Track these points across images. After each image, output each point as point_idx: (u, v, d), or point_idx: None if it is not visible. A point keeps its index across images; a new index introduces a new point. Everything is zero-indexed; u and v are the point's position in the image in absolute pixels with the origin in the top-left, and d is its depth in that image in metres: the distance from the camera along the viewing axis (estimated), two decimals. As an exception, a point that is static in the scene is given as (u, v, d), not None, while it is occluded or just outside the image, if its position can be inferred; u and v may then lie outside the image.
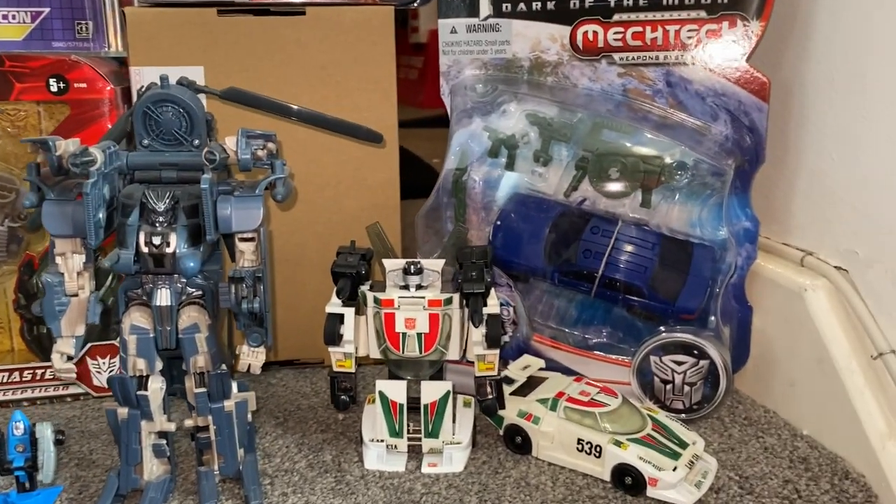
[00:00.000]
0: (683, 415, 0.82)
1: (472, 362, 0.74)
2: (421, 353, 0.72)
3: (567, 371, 0.85)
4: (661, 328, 0.84)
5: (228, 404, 0.69)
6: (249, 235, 0.64)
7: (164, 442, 0.69)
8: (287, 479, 0.73)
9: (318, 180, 0.92)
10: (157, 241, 0.62)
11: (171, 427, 0.69)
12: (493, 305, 0.72)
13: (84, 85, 0.86)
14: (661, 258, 0.83)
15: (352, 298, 0.74)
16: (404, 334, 0.71)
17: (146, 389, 0.66)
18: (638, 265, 0.83)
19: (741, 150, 0.83)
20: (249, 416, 0.71)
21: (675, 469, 0.69)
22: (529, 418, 0.76)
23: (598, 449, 0.72)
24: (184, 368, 0.67)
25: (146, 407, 0.66)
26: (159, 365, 0.67)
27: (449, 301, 0.71)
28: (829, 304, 0.80)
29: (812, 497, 0.71)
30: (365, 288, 0.73)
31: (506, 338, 0.87)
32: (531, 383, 0.81)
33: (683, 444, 0.73)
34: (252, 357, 0.67)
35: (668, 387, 0.83)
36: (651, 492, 0.70)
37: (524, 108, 0.85)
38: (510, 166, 0.86)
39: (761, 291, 0.87)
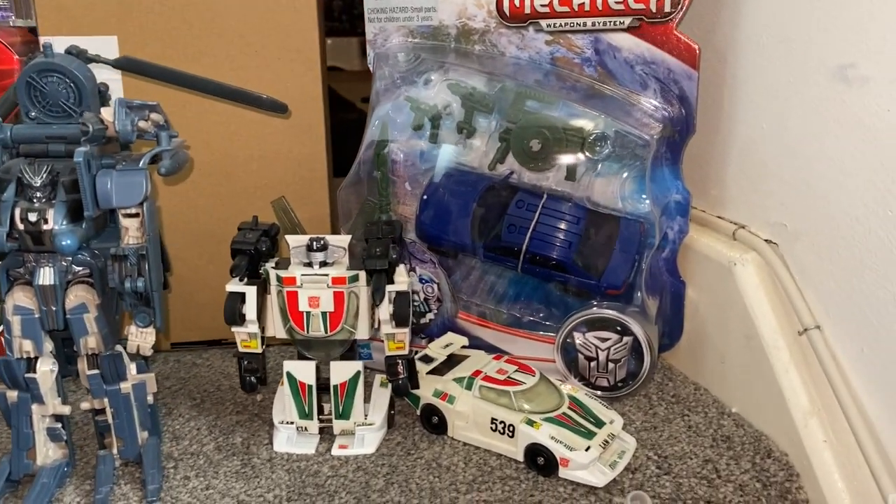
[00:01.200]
0: (609, 392, 0.80)
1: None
2: (327, 332, 0.69)
3: (493, 349, 0.83)
4: (593, 303, 0.81)
5: (125, 386, 0.66)
6: (133, 211, 0.61)
7: (60, 425, 0.67)
8: (192, 462, 0.71)
9: (241, 153, 0.89)
10: (33, 217, 0.59)
11: (66, 410, 0.66)
12: (400, 283, 0.69)
13: (-12, 56, 0.83)
14: (585, 233, 0.81)
15: (254, 276, 0.71)
16: (308, 313, 0.69)
17: (35, 372, 0.64)
18: (562, 240, 0.81)
19: (671, 120, 0.80)
20: (150, 397, 0.69)
21: (587, 449, 0.68)
22: (445, 398, 0.74)
23: (511, 428, 0.70)
24: (75, 350, 0.65)
25: (36, 390, 0.64)
26: (49, 346, 0.65)
27: (354, 279, 0.68)
28: (758, 278, 0.78)
29: (731, 476, 0.69)
30: (269, 265, 0.71)
31: (430, 315, 0.85)
32: (451, 362, 0.79)
33: (599, 423, 0.71)
34: (140, 338, 0.64)
35: (593, 364, 0.80)
36: (563, 472, 0.68)
37: (447, 79, 0.82)
38: (434, 138, 0.83)
39: (694, 266, 0.85)
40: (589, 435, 0.69)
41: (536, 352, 0.83)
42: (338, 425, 0.73)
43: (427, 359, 0.79)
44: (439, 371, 0.77)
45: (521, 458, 0.70)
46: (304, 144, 0.90)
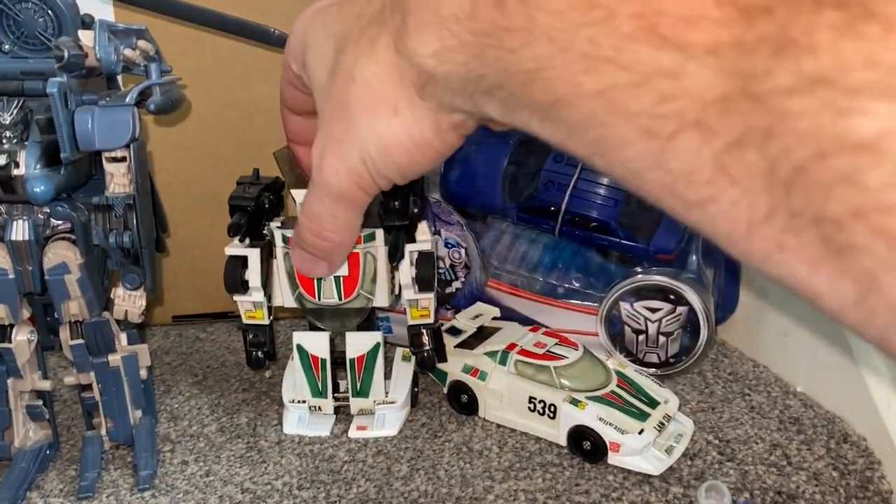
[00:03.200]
0: (658, 370, 0.72)
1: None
2: (341, 299, 0.61)
3: (527, 321, 0.74)
4: (637, 270, 0.72)
5: (114, 359, 0.58)
6: (119, 154, 0.53)
7: (41, 402, 0.59)
8: (191, 444, 0.63)
9: (245, 107, 0.81)
10: (1, 160, 0.51)
11: (47, 385, 0.59)
12: (422, 241, 0.61)
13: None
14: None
15: (258, 237, 0.63)
16: (319, 278, 0.60)
17: (10, 341, 0.56)
18: (608, 198, 0.72)
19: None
20: (143, 372, 0.61)
21: (641, 432, 0.59)
22: (475, 374, 0.65)
23: (552, 408, 0.62)
24: (56, 316, 0.57)
25: (12, 362, 0.56)
26: (26, 313, 0.57)
27: (370, 237, 0.59)
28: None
29: (804, 463, 0.60)
30: (274, 224, 0.62)
31: (457, 284, 0.76)
32: (482, 334, 0.70)
33: (653, 403, 0.62)
34: (129, 302, 0.56)
35: (641, 337, 0.72)
36: (613, 458, 0.59)
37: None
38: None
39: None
40: (642, 416, 0.60)
41: (576, 324, 0.74)
42: (355, 404, 0.64)
43: (455, 331, 0.70)
44: (469, 344, 0.69)
45: (563, 441, 0.62)
46: (317, 96, 0.81)
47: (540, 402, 0.62)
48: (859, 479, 0.59)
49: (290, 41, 0.43)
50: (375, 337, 0.63)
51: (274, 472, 0.59)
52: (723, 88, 0.22)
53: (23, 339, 0.56)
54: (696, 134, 0.23)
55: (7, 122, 0.51)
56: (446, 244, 0.75)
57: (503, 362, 0.65)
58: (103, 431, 0.60)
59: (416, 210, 0.59)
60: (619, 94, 0.24)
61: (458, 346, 0.68)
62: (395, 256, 0.59)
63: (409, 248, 0.60)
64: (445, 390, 0.68)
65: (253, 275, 0.61)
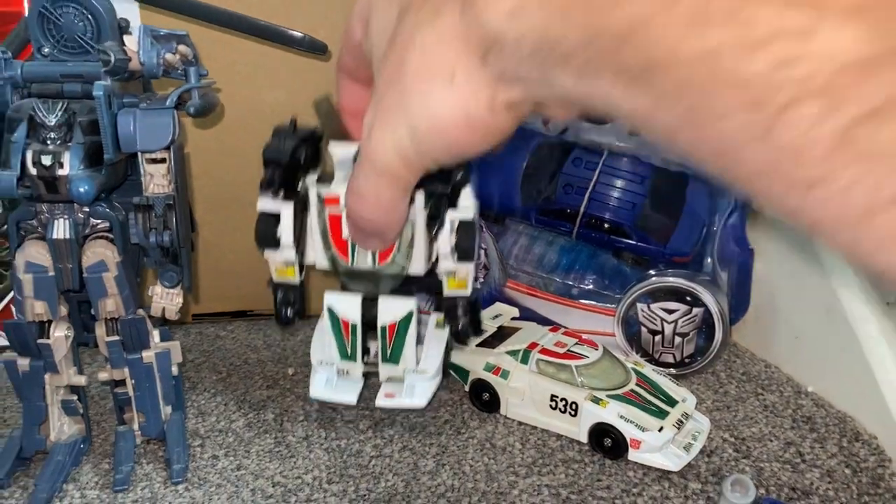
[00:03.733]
0: (674, 369, 0.73)
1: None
2: (375, 265, 0.59)
3: (544, 321, 0.76)
4: (652, 272, 0.74)
5: (147, 355, 0.60)
6: (159, 156, 0.55)
7: (76, 398, 0.60)
8: (220, 439, 0.65)
9: (268, 111, 0.82)
10: (46, 160, 0.52)
11: (83, 381, 0.60)
12: (464, 208, 0.58)
13: (-5, -4, 0.76)
14: (651, 193, 0.74)
15: (292, 191, 0.60)
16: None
17: (48, 337, 0.57)
18: (625, 201, 0.74)
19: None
20: (175, 368, 0.62)
21: (660, 429, 0.61)
22: (497, 372, 0.67)
23: (573, 406, 0.63)
24: (92, 313, 0.58)
25: (49, 357, 0.57)
26: (64, 309, 0.58)
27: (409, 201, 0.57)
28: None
29: (817, 461, 0.62)
30: (311, 180, 0.59)
31: (476, 284, 0.78)
32: (502, 334, 0.72)
33: (672, 402, 0.64)
34: (166, 300, 0.57)
35: (657, 338, 0.73)
36: (633, 455, 0.61)
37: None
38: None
39: (764, 232, 0.78)
40: (661, 414, 0.62)
41: (593, 325, 0.76)
42: (385, 370, 0.63)
43: None
44: (489, 344, 0.70)
45: (584, 438, 0.63)
46: (337, 98, 0.83)
47: (562, 400, 0.64)
48: (871, 476, 0.61)
49: (357, 4, 0.39)
50: (410, 304, 0.61)
51: (303, 467, 0.61)
52: (865, 51, 0.20)
53: (60, 335, 0.57)
54: (821, 103, 0.20)
55: (52, 124, 0.52)
56: (466, 245, 0.77)
57: (525, 361, 0.67)
58: (135, 426, 0.62)
59: (458, 177, 0.56)
60: (728, 58, 0.21)
61: (479, 345, 0.70)
62: (434, 225, 0.56)
63: (449, 215, 0.57)
64: (467, 388, 0.70)
65: (286, 231, 0.58)
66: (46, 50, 0.56)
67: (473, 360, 0.69)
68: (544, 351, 0.67)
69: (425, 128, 0.32)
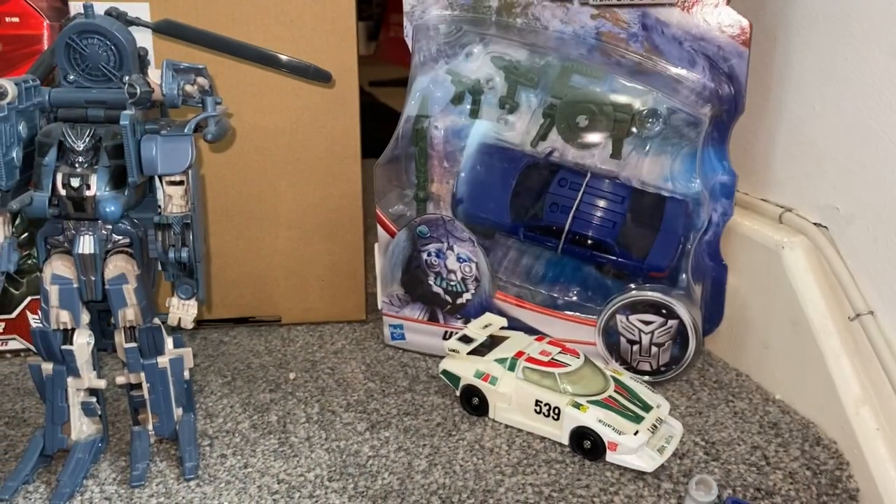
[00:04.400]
0: (650, 377, 0.79)
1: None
2: None
3: (532, 331, 0.81)
4: (631, 286, 0.79)
5: (162, 360, 0.64)
6: (178, 178, 0.59)
7: (95, 400, 0.65)
8: (228, 440, 0.69)
9: (273, 127, 0.87)
10: (75, 182, 0.57)
11: (101, 384, 0.64)
12: None
13: (17, 19, 0.80)
14: (630, 213, 0.79)
15: None
16: None
17: (71, 343, 0.62)
18: (606, 220, 0.79)
19: (719, 99, 0.78)
20: (186, 373, 0.67)
21: (636, 433, 0.66)
22: (486, 378, 0.72)
23: (556, 411, 0.68)
24: (112, 322, 0.63)
25: (72, 362, 0.62)
26: (86, 318, 0.63)
27: None
28: (806, 262, 0.76)
29: (781, 464, 0.67)
30: None
31: (467, 295, 0.83)
32: (491, 343, 0.77)
33: (647, 407, 0.69)
34: (182, 311, 0.62)
35: (635, 347, 0.79)
36: (610, 456, 0.66)
37: (490, 51, 0.80)
38: (475, 113, 0.81)
39: (737, 249, 0.83)
40: (637, 419, 0.67)
41: (576, 334, 0.81)
42: None
43: (466, 339, 0.77)
44: (479, 352, 0.75)
45: (565, 441, 0.68)
46: (338, 119, 0.88)
47: (545, 404, 0.69)
48: (830, 478, 0.66)
49: None
50: None
51: (306, 465, 0.66)
52: None
53: (83, 341, 0.62)
54: None
55: (80, 149, 0.57)
56: (458, 259, 0.82)
57: (512, 368, 0.72)
58: (150, 426, 0.66)
59: None
60: None
61: (471, 353, 0.75)
62: None
63: None
64: (458, 393, 0.74)
65: None
66: (72, 77, 0.61)
67: (464, 367, 0.74)
68: (530, 359, 0.72)
69: None
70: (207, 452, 0.68)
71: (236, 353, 0.87)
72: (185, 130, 0.59)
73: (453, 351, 0.75)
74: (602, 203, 0.79)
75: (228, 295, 0.92)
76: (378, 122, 0.82)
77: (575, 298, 0.83)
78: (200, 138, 0.60)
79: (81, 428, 0.65)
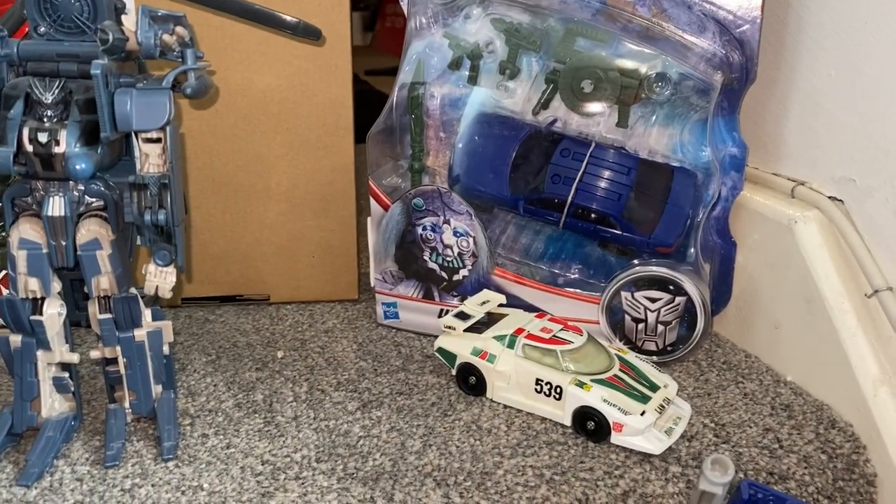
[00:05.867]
0: (656, 357, 0.75)
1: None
2: None
3: (531, 308, 0.77)
4: (636, 262, 0.76)
5: (139, 334, 0.60)
6: (154, 135, 0.55)
7: (67, 375, 0.61)
8: (210, 419, 0.66)
9: (261, 94, 0.83)
10: (43, 138, 0.53)
11: (74, 358, 0.60)
12: None
13: (-11, -25, 0.76)
14: (637, 185, 0.75)
15: None
16: None
17: (41, 314, 0.58)
18: (611, 192, 0.75)
19: (729, 66, 0.74)
20: (166, 347, 0.63)
21: (643, 413, 0.62)
22: (484, 356, 0.68)
23: (558, 390, 0.65)
24: (85, 291, 0.59)
25: (42, 334, 0.58)
26: (57, 286, 0.59)
27: None
28: (820, 237, 0.72)
29: (794, 447, 0.64)
30: None
31: (464, 272, 0.79)
32: (489, 320, 0.73)
33: (654, 387, 0.65)
34: (160, 278, 0.58)
35: (640, 326, 0.75)
36: (615, 438, 0.62)
37: (490, 13, 0.76)
38: (473, 80, 0.77)
39: (746, 225, 0.79)
40: (644, 399, 0.64)
41: (577, 312, 0.77)
42: None
43: (463, 315, 0.73)
44: (477, 329, 0.71)
45: (568, 422, 0.65)
46: (330, 87, 0.84)
47: (546, 383, 0.65)
48: (846, 462, 0.63)
49: None
50: None
51: (292, 446, 0.62)
52: None
53: (53, 312, 0.58)
54: None
55: (49, 102, 0.53)
56: (455, 233, 0.78)
57: (511, 346, 0.68)
58: (126, 404, 0.62)
59: None
60: None
61: (467, 330, 0.71)
62: None
63: None
64: (454, 372, 0.71)
65: None
66: (42, 29, 0.56)
67: (461, 344, 0.70)
68: (530, 336, 0.68)
69: None
70: (188, 432, 0.64)
71: (222, 332, 0.83)
72: (163, 83, 0.54)
73: (449, 328, 0.71)
74: (607, 174, 0.75)
75: (214, 271, 0.88)
76: (374, 109, 0.79)
77: (577, 275, 0.79)
78: (180, 94, 0.56)
79: (53, 405, 0.61)
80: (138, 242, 0.60)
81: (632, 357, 0.69)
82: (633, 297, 0.74)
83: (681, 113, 0.74)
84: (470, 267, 0.79)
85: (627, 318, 0.75)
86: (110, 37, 0.51)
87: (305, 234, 0.88)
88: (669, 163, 0.75)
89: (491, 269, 0.79)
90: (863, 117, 0.70)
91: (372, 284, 0.83)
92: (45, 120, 0.53)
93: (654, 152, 0.75)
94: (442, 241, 0.79)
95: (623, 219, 0.75)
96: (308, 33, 0.65)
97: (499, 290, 0.78)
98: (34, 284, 0.57)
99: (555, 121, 0.76)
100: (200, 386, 0.71)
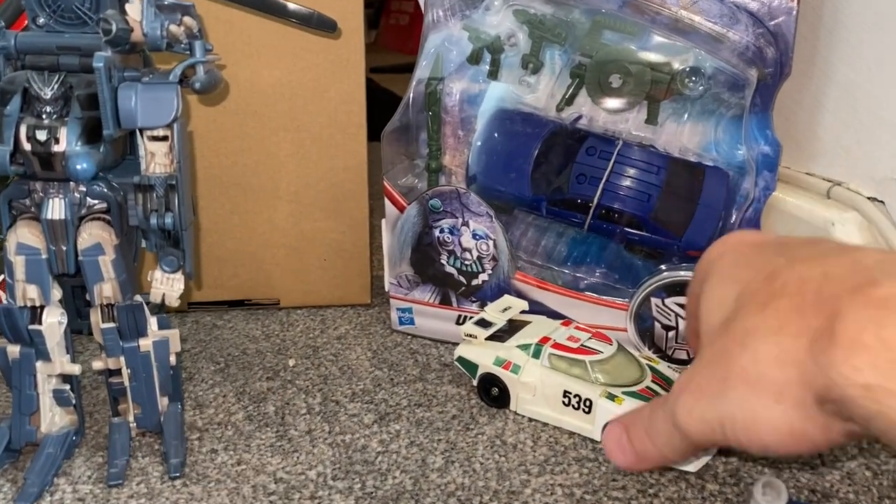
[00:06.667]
0: (687, 366, 0.71)
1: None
2: None
3: (554, 315, 0.74)
4: (663, 266, 0.72)
5: (144, 343, 0.57)
6: (161, 133, 0.52)
7: (69, 387, 0.58)
8: (219, 433, 0.62)
9: (270, 90, 0.79)
10: (42, 135, 0.49)
11: (76, 369, 0.57)
12: None
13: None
14: (666, 185, 0.71)
15: None
16: None
17: (40, 323, 0.54)
18: (640, 192, 0.71)
19: (763, 61, 0.70)
20: (173, 358, 0.59)
21: None
22: (508, 367, 0.65)
23: (587, 403, 0.61)
24: (87, 299, 0.55)
25: (41, 344, 0.55)
26: (57, 294, 0.55)
27: None
28: (861, 240, 0.69)
29: (837, 463, 0.61)
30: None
31: (483, 276, 0.76)
32: (512, 328, 0.69)
33: (689, 400, 0.62)
34: (167, 285, 0.55)
35: (671, 334, 0.71)
36: (649, 454, 0.59)
37: (512, 4, 0.72)
38: (494, 74, 0.73)
39: (779, 227, 0.76)
40: (678, 412, 0.60)
41: (603, 318, 0.73)
42: None
43: (484, 323, 0.69)
44: (499, 337, 0.68)
45: (598, 436, 0.61)
46: (342, 82, 0.80)
47: (575, 396, 0.62)
48: (892, 479, 0.59)
49: (698, 266, 0.40)
50: None
51: (307, 462, 0.58)
52: None
53: (53, 321, 0.55)
54: None
55: (48, 97, 0.49)
56: (474, 236, 0.74)
57: (536, 355, 0.64)
58: (130, 418, 0.59)
59: None
60: None
61: (489, 338, 0.68)
62: None
63: None
64: (475, 383, 0.67)
65: None
66: (42, 20, 0.53)
67: (482, 353, 0.66)
68: (557, 345, 0.65)
69: (742, 425, 0.32)
70: (196, 447, 0.60)
71: (230, 339, 0.79)
72: (170, 78, 0.51)
73: (470, 336, 0.68)
74: (635, 174, 0.71)
75: (222, 275, 0.84)
76: (381, 107, 0.76)
77: (602, 280, 0.75)
78: (188, 89, 0.52)
79: (53, 419, 0.58)
80: (143, 246, 0.56)
81: (664, 367, 0.65)
82: (663, 303, 0.71)
83: (713, 109, 0.70)
84: (490, 271, 0.75)
85: (657, 325, 0.71)
86: (113, 27, 0.48)
87: (316, 236, 0.84)
88: (702, 161, 0.71)
89: (512, 274, 0.75)
90: (906, 114, 0.66)
91: (386, 289, 0.79)
92: (44, 116, 0.50)
93: (685, 150, 0.71)
94: (460, 244, 0.75)
95: (652, 220, 0.71)
96: (323, 25, 0.62)
97: (520, 295, 0.75)
98: (33, 292, 0.54)
99: (580, 117, 0.73)
100: (209, 397, 0.67)
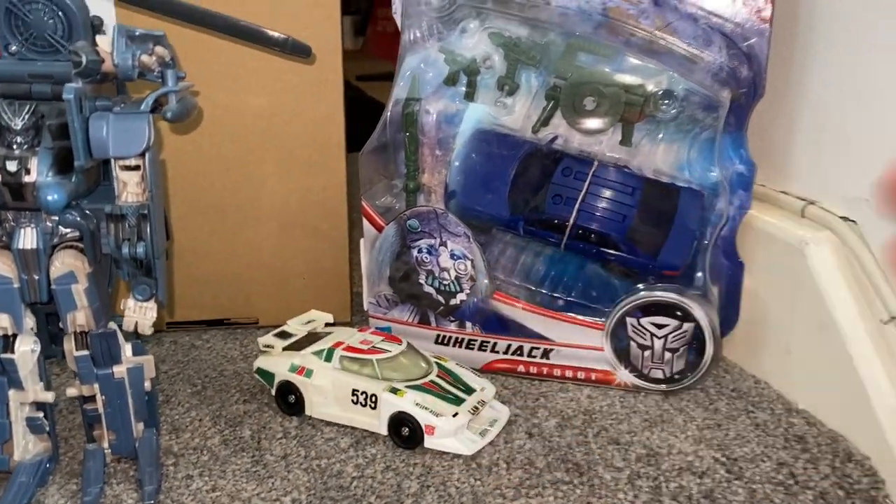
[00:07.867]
0: (664, 385, 0.72)
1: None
2: None
3: (531, 334, 0.74)
4: (640, 286, 0.73)
5: (118, 370, 0.57)
6: (133, 163, 0.52)
7: (42, 415, 0.57)
8: (195, 458, 0.62)
9: (248, 111, 0.79)
10: (12, 166, 0.49)
11: (49, 397, 0.57)
12: None
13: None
14: (641, 205, 0.72)
15: None
16: None
17: (13, 352, 0.54)
18: (615, 213, 0.72)
19: (737, 81, 0.71)
20: (147, 384, 0.59)
21: (454, 415, 0.62)
22: (302, 372, 0.67)
23: (373, 399, 0.64)
24: (60, 327, 0.55)
25: (14, 373, 0.55)
26: (30, 322, 0.55)
27: None
28: (834, 259, 0.69)
29: (810, 482, 0.61)
30: None
31: (462, 296, 0.76)
32: (312, 338, 0.72)
33: (469, 390, 0.66)
34: (139, 314, 0.54)
35: (647, 353, 0.72)
36: (428, 441, 0.62)
37: (487, 27, 0.72)
38: (470, 96, 0.74)
39: (755, 246, 0.76)
40: (457, 401, 0.64)
41: (580, 338, 0.74)
42: None
43: (284, 335, 0.72)
44: (297, 346, 0.70)
45: (384, 430, 0.64)
46: (321, 102, 0.80)
47: (362, 393, 0.64)
48: (864, 498, 0.60)
49: None
50: None
51: (282, 488, 0.58)
52: None
53: (26, 349, 0.55)
54: None
55: (18, 128, 0.49)
56: (452, 256, 0.75)
57: (328, 359, 0.67)
58: (105, 444, 0.59)
59: None
60: None
61: (286, 348, 0.70)
62: None
63: None
64: (273, 392, 0.69)
65: None
66: (14, 48, 0.53)
67: (279, 362, 0.69)
68: (349, 348, 0.67)
69: None
70: (171, 473, 0.60)
71: (208, 359, 0.79)
72: (142, 107, 0.51)
73: (268, 347, 0.70)
74: (610, 194, 0.72)
75: (201, 295, 0.84)
76: (366, 116, 0.76)
77: (579, 300, 0.76)
78: (160, 118, 0.53)
79: (26, 447, 0.57)
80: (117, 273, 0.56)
81: (452, 364, 0.69)
82: (639, 323, 0.71)
83: (687, 130, 0.71)
84: (468, 291, 0.76)
85: (633, 344, 0.72)
86: (83, 59, 0.48)
87: (295, 254, 0.84)
88: (676, 182, 0.71)
89: (490, 294, 0.76)
90: (877, 133, 0.67)
91: (366, 308, 0.80)
92: (15, 147, 0.50)
93: (659, 171, 0.72)
94: (438, 264, 0.76)
95: (627, 240, 0.72)
96: (297, 50, 0.62)
97: (498, 315, 0.75)
98: (5, 321, 0.53)
99: (555, 138, 0.73)
100: (185, 420, 0.67)
